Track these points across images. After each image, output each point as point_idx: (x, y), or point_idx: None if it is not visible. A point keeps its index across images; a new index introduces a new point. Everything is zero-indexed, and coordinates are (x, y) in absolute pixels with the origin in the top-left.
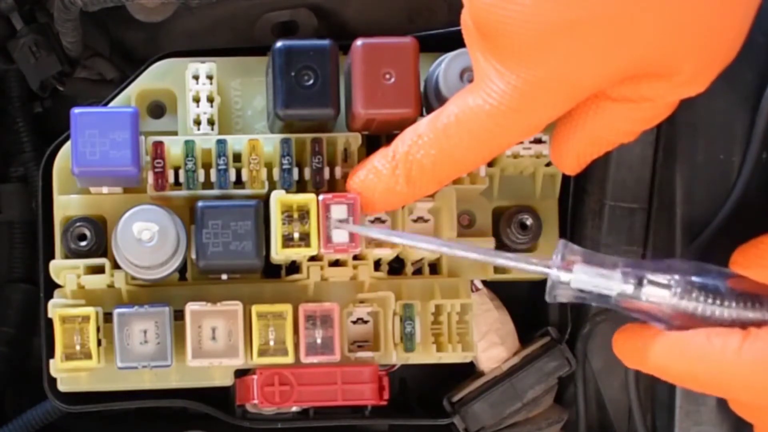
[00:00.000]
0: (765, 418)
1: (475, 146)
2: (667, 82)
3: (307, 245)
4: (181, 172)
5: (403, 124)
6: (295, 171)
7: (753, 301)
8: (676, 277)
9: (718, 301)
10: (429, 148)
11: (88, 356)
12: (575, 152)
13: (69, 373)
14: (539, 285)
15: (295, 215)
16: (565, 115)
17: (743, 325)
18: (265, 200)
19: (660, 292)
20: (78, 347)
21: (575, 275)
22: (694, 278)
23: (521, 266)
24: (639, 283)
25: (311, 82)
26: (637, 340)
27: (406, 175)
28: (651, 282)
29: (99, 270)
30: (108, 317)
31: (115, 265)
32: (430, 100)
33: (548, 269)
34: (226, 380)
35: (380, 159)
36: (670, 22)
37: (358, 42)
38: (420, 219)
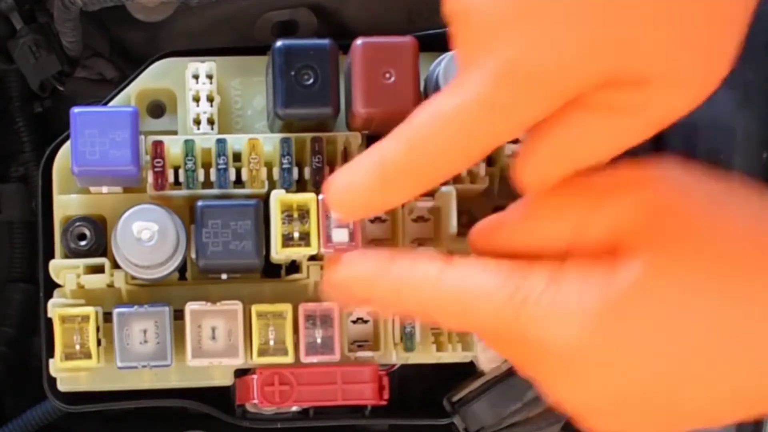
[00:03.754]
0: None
1: (451, 148)
2: (654, 87)
3: (307, 245)
4: (181, 172)
5: None
6: (295, 170)
7: None
8: None
9: None
10: (404, 152)
11: (88, 356)
12: (539, 168)
13: (69, 372)
14: None
15: (295, 215)
16: (533, 128)
17: None
18: (265, 200)
19: None
20: (78, 347)
21: None
22: None
23: None
24: None
25: (311, 81)
26: None
27: (382, 180)
28: None
29: (99, 270)
30: (108, 317)
31: (115, 265)
32: None
33: None
34: (226, 380)
35: (356, 164)
36: (662, 16)
37: (358, 41)
38: (420, 218)
